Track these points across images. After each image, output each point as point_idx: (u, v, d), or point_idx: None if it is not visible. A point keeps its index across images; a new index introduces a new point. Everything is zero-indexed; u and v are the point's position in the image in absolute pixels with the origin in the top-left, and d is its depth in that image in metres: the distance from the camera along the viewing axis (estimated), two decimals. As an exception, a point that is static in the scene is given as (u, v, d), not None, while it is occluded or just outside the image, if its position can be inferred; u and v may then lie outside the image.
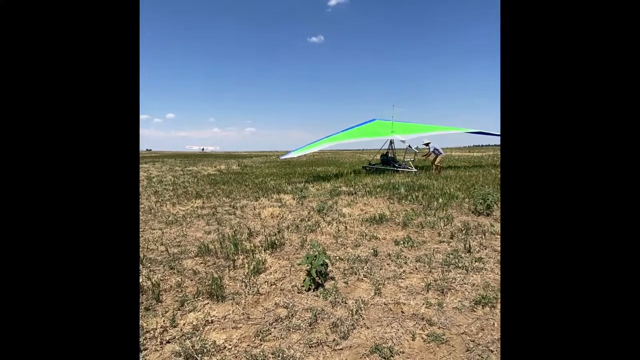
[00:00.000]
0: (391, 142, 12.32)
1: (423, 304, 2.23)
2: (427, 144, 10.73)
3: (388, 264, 2.94)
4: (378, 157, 12.90)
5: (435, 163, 10.20)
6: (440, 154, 10.26)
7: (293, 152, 11.96)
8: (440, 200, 5.47)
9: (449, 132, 13.05)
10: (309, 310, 2.17)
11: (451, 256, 3.03)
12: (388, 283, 2.56)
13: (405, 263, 2.95)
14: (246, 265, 2.96)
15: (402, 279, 2.63)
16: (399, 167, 11.24)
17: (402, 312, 2.14)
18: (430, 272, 2.74)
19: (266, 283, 2.62)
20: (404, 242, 3.49)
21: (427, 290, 2.41)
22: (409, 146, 11.57)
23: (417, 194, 6.16)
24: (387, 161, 12.10)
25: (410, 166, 11.06)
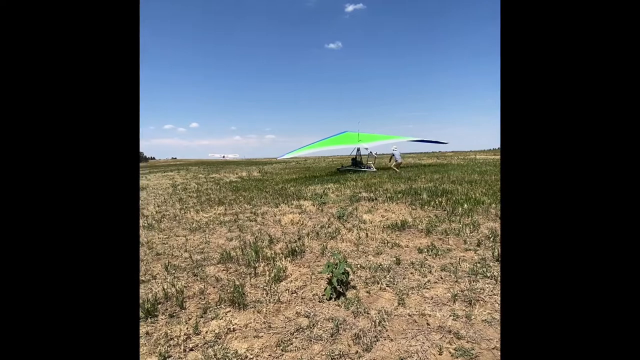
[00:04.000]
0: (358, 149, 15.90)
1: (450, 315, 2.13)
2: (394, 150, 13.42)
3: (411, 273, 2.85)
4: (349, 161, 16.58)
5: (392, 165, 13.31)
6: (397, 160, 13.11)
7: (285, 155, 15.57)
8: (466, 205, 5.28)
9: (398, 140, 16.44)
10: (331, 320, 2.13)
11: (478, 265, 2.90)
12: (412, 293, 2.48)
13: (430, 272, 2.85)
14: (267, 273, 2.96)
15: (427, 289, 2.54)
16: (365, 168, 14.56)
17: (428, 324, 2.06)
18: (456, 281, 2.63)
19: (287, 291, 2.60)
20: (427, 250, 3.38)
21: (454, 301, 2.31)
22: (370, 152, 15.43)
23: (440, 199, 5.99)
24: (356, 164, 15.66)
25: (372, 167, 14.56)
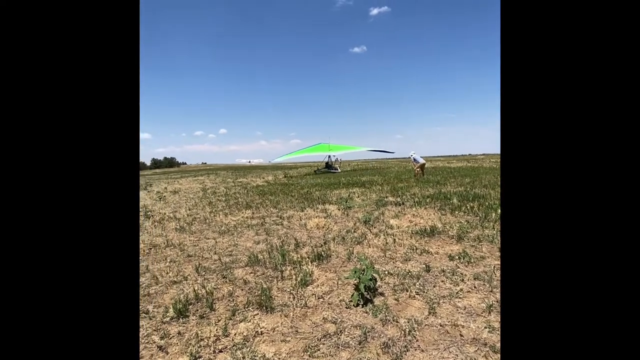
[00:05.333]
0: (329, 156, 22.86)
1: (485, 327, 2.01)
2: (412, 155, 12.86)
3: (442, 281, 2.74)
4: (324, 165, 23.55)
5: (416, 169, 12.54)
6: (417, 162, 12.37)
7: (276, 159, 25.11)
8: (499, 211, 5.02)
9: (356, 150, 25.10)
10: (358, 328, 2.09)
11: (515, 274, 2.73)
12: (443, 302, 2.38)
13: (462, 280, 2.72)
14: (294, 277, 2.97)
15: (459, 298, 2.43)
16: (333, 170, 21.13)
17: (461, 335, 1.96)
18: (491, 291, 2.49)
19: (314, 296, 2.59)
20: (459, 258, 3.24)
21: (489, 312, 2.18)
22: (337, 158, 22.96)
23: (471, 204, 5.74)
24: (328, 167, 22.40)
25: (338, 169, 21.29)
